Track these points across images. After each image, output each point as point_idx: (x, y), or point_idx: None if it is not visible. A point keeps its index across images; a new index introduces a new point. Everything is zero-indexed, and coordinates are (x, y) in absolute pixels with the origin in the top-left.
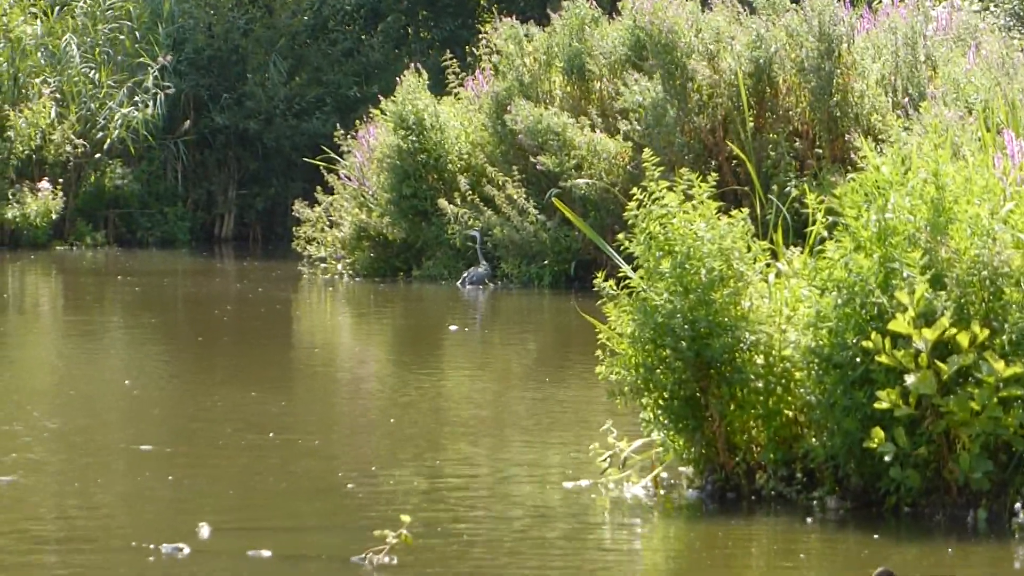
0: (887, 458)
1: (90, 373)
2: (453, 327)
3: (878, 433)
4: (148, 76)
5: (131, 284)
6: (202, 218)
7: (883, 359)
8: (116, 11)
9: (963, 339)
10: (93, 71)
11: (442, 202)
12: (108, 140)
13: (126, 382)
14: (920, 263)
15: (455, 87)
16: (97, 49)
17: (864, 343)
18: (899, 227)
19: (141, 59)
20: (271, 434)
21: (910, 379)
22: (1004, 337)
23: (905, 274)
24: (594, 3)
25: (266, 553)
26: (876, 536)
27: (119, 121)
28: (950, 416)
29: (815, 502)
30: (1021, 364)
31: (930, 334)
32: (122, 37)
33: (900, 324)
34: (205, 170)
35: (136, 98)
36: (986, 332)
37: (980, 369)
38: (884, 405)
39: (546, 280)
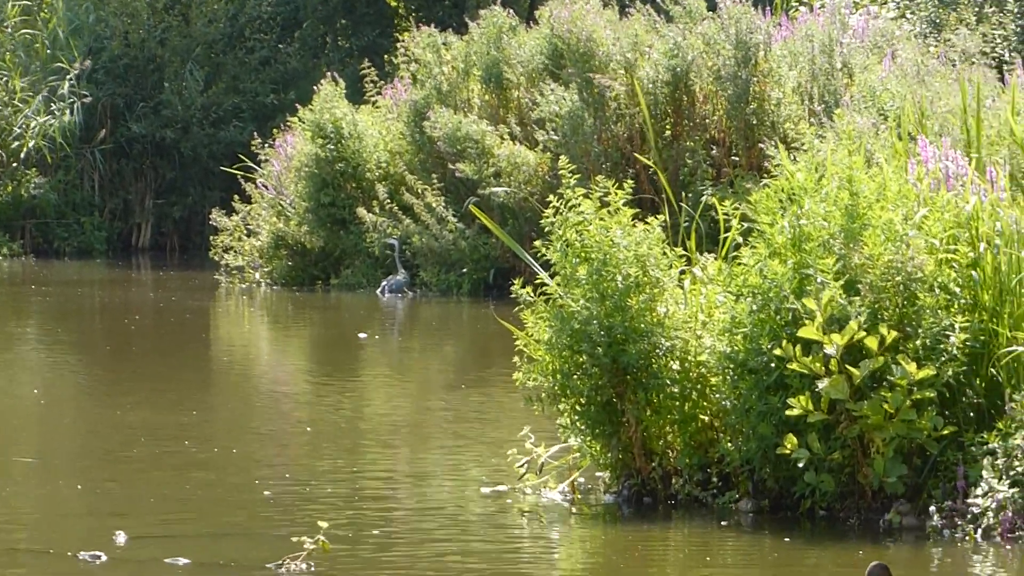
0: (800, 463)
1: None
2: (362, 335)
3: (791, 439)
4: (64, 83)
5: (45, 294)
6: (119, 228)
7: (794, 366)
8: (30, 17)
9: (872, 343)
10: (6, 78)
11: (360, 211)
12: (24, 149)
13: (35, 391)
14: (833, 269)
15: (373, 95)
16: (9, 56)
17: (776, 350)
18: (813, 233)
19: (59, 64)
20: (186, 442)
21: (822, 384)
22: (918, 342)
23: (819, 280)
24: (511, 12)
25: (183, 560)
26: (787, 539)
27: (35, 130)
28: (863, 420)
29: (730, 506)
30: (933, 367)
31: (840, 339)
32: (37, 45)
33: (809, 331)
34: (122, 179)
35: (52, 106)
36: (894, 334)
37: (892, 372)
38: (796, 411)
39: (465, 288)
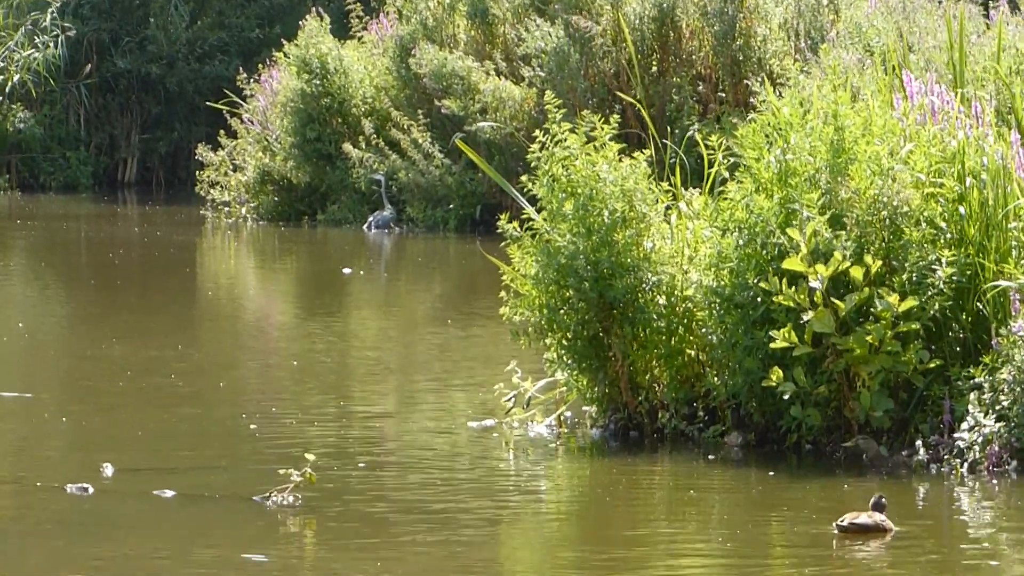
0: (786, 396)
1: None
2: (346, 270)
3: (777, 372)
4: (46, 15)
5: (31, 229)
6: (105, 163)
7: (780, 299)
8: None
9: (857, 273)
10: None
11: (347, 146)
12: (9, 83)
13: (20, 325)
14: (818, 203)
15: (359, 31)
16: None
17: (762, 284)
18: (799, 168)
19: None
20: (172, 376)
21: (807, 317)
22: (904, 276)
23: (804, 214)
24: None
25: (170, 492)
26: (772, 473)
27: (19, 63)
28: (849, 354)
29: (716, 440)
30: (916, 299)
31: (824, 271)
32: None
33: (794, 263)
34: (107, 114)
35: (36, 39)
36: (879, 264)
37: (877, 306)
38: (780, 344)
39: (451, 224)
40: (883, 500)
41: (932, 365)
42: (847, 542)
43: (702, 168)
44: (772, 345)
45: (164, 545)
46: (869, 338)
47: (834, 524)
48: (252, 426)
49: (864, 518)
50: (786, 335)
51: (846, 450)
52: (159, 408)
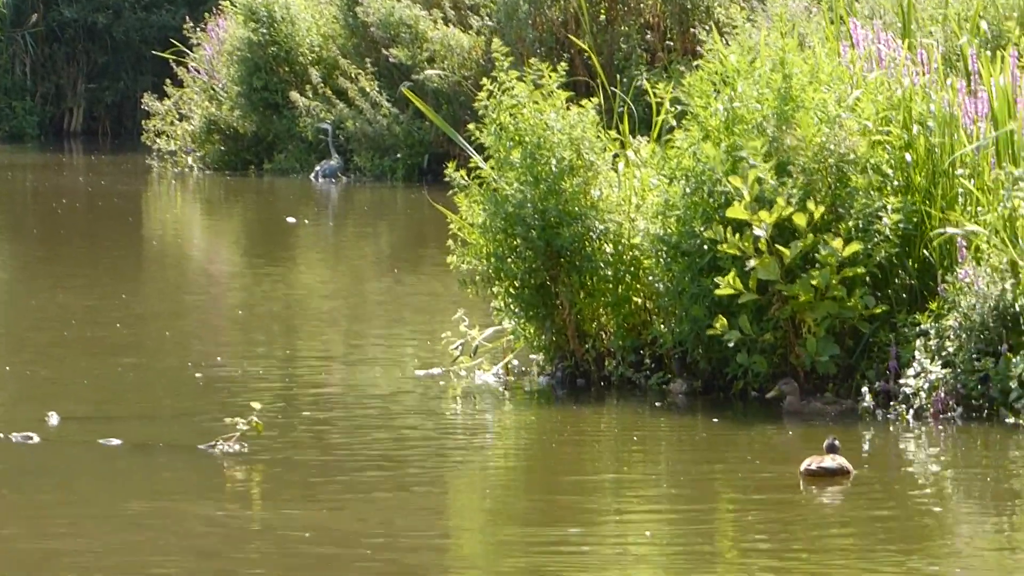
0: (731, 344)
1: None
2: (291, 219)
3: (721, 320)
4: None
5: None
6: (51, 112)
7: (725, 247)
8: None
9: (800, 220)
10: None
11: (294, 95)
12: None
13: None
14: (763, 151)
15: None
16: None
17: (708, 232)
18: (746, 116)
19: None
20: (118, 326)
21: (752, 265)
22: (850, 223)
23: (750, 162)
24: None
25: (116, 441)
26: (716, 420)
27: None
28: (794, 301)
29: (663, 387)
30: (860, 243)
31: (768, 217)
32: None
33: (737, 211)
34: (54, 64)
35: None
36: (822, 209)
37: (822, 252)
38: (725, 291)
39: (399, 173)
40: (836, 442)
41: (878, 311)
42: (813, 488)
43: (651, 117)
44: (717, 292)
45: (110, 494)
46: (814, 282)
47: (802, 468)
48: (198, 375)
49: (829, 461)
50: (731, 282)
51: (773, 399)
52: (105, 357)
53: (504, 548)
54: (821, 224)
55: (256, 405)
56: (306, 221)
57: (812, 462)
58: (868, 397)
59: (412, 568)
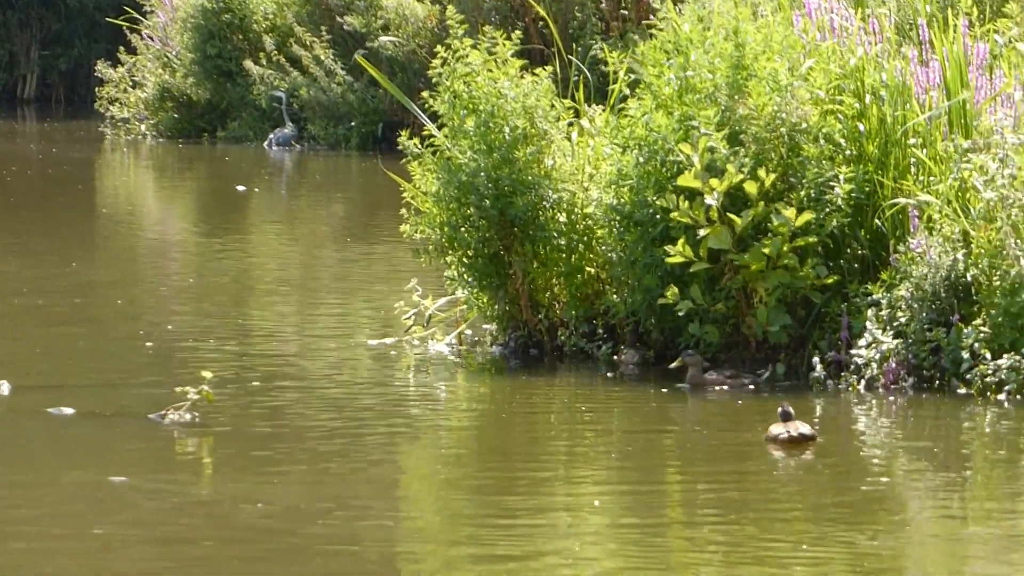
0: (682, 313)
1: None
2: (240, 187)
3: (672, 290)
4: None
5: None
6: (4, 79)
7: (676, 216)
8: None
9: (751, 188)
10: None
11: (247, 63)
12: None
13: None
14: (715, 120)
15: None
16: None
17: (660, 201)
18: (698, 85)
19: None
20: (69, 294)
21: (703, 233)
22: (802, 192)
23: (702, 131)
24: None
25: (68, 410)
26: (665, 390)
27: None
28: (746, 270)
29: (615, 358)
30: (812, 212)
31: (719, 185)
32: None
33: (688, 179)
34: (7, 30)
35: None
36: (772, 177)
37: (774, 221)
38: (676, 259)
39: (353, 141)
40: (790, 409)
41: (829, 281)
42: (784, 454)
43: (605, 85)
44: (668, 260)
45: (59, 463)
46: (766, 251)
47: (773, 434)
48: (148, 344)
49: (804, 428)
50: (681, 249)
51: (746, 368)
52: (55, 326)
53: (456, 520)
54: (773, 194)
55: (207, 375)
56: (256, 190)
57: (786, 429)
58: (819, 367)
59: (363, 540)
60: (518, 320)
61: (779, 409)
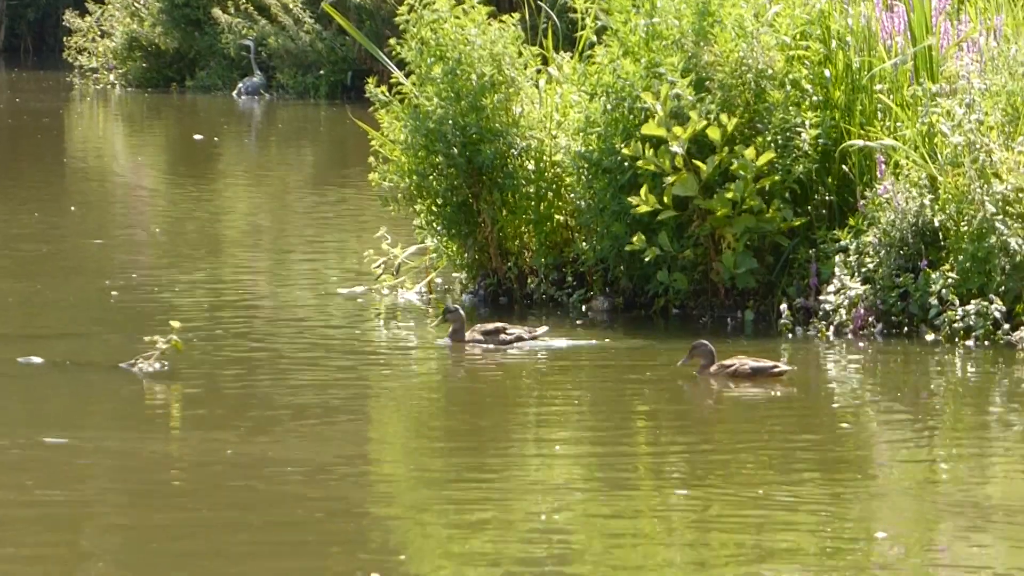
0: (647, 259)
1: None
2: (197, 136)
3: (639, 236)
4: None
5: None
6: None
7: (642, 164)
8: None
9: (714, 133)
10: None
11: (216, 11)
12: None
13: None
14: (680, 66)
15: None
16: None
17: (625, 150)
18: (665, 32)
19: None
20: (35, 244)
21: (669, 181)
22: (769, 138)
23: (669, 78)
24: None
25: (37, 359)
26: (636, 338)
27: None
28: (713, 216)
29: (584, 305)
30: (774, 151)
31: (683, 132)
32: None
33: (651, 127)
34: None
35: None
36: (735, 121)
37: (736, 164)
38: (642, 208)
39: (322, 90)
40: (705, 344)
41: (796, 224)
42: (732, 404)
43: (573, 31)
44: (635, 210)
45: (28, 413)
46: (729, 195)
47: (732, 368)
48: (114, 292)
49: (764, 361)
50: (645, 197)
51: (715, 315)
52: (23, 276)
53: (426, 469)
54: (740, 140)
55: (175, 324)
56: (216, 139)
57: (747, 363)
58: (786, 313)
59: (333, 488)
60: (487, 268)
61: (700, 347)
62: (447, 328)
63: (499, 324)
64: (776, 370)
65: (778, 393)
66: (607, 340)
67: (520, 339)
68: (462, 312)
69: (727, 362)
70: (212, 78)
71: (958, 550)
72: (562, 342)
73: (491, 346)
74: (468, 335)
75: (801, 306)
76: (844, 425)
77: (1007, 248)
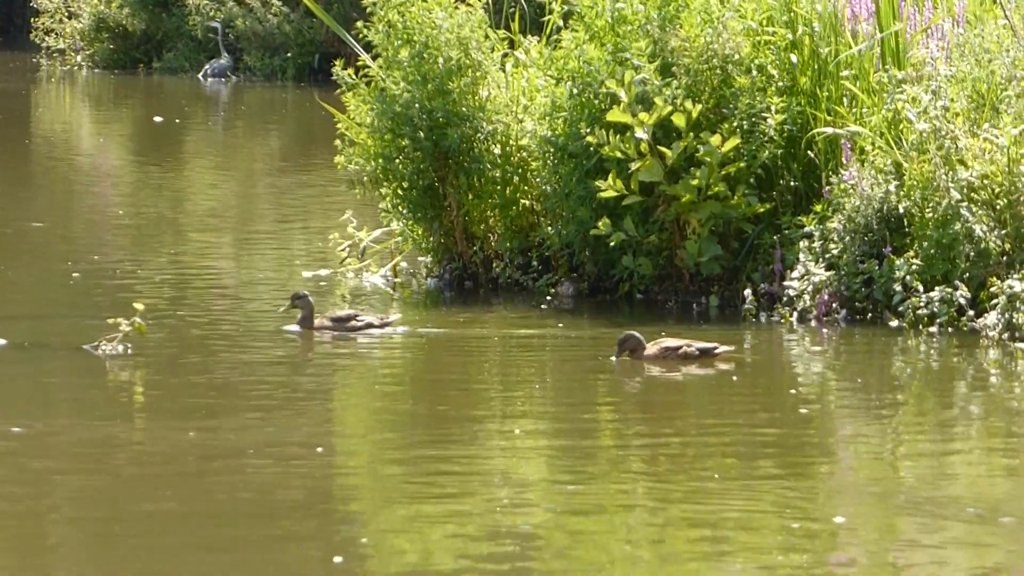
0: (612, 243)
1: None
2: (158, 118)
3: (605, 221)
4: None
5: None
6: None
7: (607, 150)
8: None
9: (679, 120)
10: None
11: None
12: None
13: None
14: (647, 52)
15: None
16: None
17: (590, 137)
18: (631, 17)
19: None
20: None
21: (634, 166)
22: (735, 123)
23: (634, 63)
24: None
25: (1, 341)
26: (600, 322)
27: None
28: (678, 202)
29: (550, 289)
30: (738, 137)
31: (647, 118)
32: None
33: (616, 114)
34: None
35: None
36: (699, 107)
37: (701, 151)
38: (608, 193)
39: (289, 72)
40: (632, 335)
41: (761, 210)
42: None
43: (541, 15)
44: (600, 195)
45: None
46: (695, 182)
47: (680, 351)
48: (75, 275)
49: (700, 343)
50: (612, 183)
51: (679, 300)
52: None
53: (389, 453)
54: (706, 125)
55: (139, 306)
56: (177, 121)
57: (680, 346)
58: (749, 299)
59: (295, 472)
60: (453, 252)
61: (626, 341)
62: (295, 314)
63: (350, 311)
64: (716, 351)
65: (738, 379)
66: (483, 327)
67: (371, 326)
68: (311, 298)
69: (670, 344)
70: (179, 60)
71: (915, 536)
72: (406, 328)
73: (338, 333)
74: (317, 322)
75: (765, 292)
76: (803, 411)
77: (972, 235)
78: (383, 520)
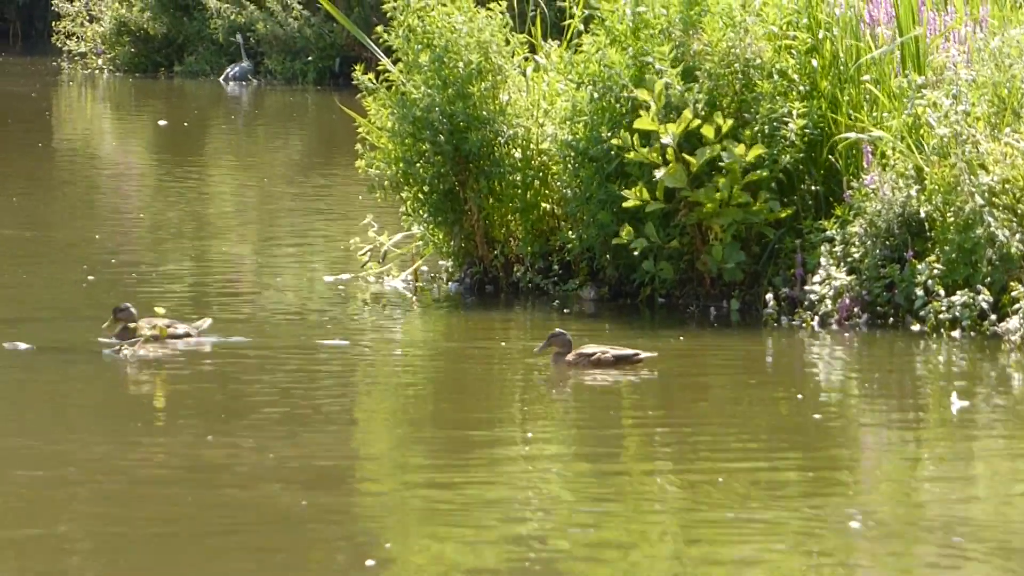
0: (636, 251)
1: None
2: (162, 122)
3: (628, 229)
4: None
5: None
6: None
7: (632, 156)
8: None
9: (708, 131)
10: None
11: None
12: None
13: None
14: (670, 56)
15: None
16: None
17: (614, 141)
18: (652, 21)
19: None
20: (21, 228)
21: (659, 173)
22: (756, 128)
23: (657, 67)
24: None
25: (24, 345)
26: (608, 327)
27: None
28: (700, 209)
29: (571, 294)
30: (763, 147)
31: (675, 128)
32: None
33: (644, 122)
34: None
35: None
36: (730, 123)
37: (726, 159)
38: (632, 203)
39: (310, 76)
40: (563, 333)
41: (783, 215)
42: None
43: (562, 19)
44: (625, 204)
45: (14, 402)
46: (718, 195)
47: (594, 356)
48: (90, 277)
49: (625, 349)
50: (638, 193)
51: (700, 304)
52: (8, 261)
53: (412, 457)
54: (728, 130)
55: (160, 310)
56: (185, 124)
57: (602, 351)
58: (772, 303)
59: (318, 477)
60: (474, 256)
61: (558, 337)
62: (116, 327)
63: (167, 320)
64: (637, 357)
65: (763, 379)
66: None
67: (188, 335)
68: (133, 310)
69: (586, 350)
70: (200, 63)
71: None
72: (238, 339)
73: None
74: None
75: (787, 296)
76: (816, 416)
77: (994, 239)
78: (410, 528)
